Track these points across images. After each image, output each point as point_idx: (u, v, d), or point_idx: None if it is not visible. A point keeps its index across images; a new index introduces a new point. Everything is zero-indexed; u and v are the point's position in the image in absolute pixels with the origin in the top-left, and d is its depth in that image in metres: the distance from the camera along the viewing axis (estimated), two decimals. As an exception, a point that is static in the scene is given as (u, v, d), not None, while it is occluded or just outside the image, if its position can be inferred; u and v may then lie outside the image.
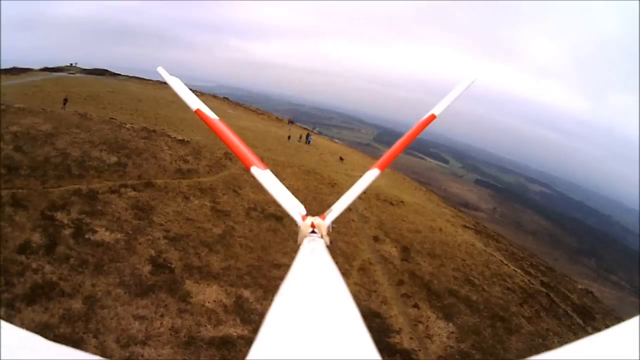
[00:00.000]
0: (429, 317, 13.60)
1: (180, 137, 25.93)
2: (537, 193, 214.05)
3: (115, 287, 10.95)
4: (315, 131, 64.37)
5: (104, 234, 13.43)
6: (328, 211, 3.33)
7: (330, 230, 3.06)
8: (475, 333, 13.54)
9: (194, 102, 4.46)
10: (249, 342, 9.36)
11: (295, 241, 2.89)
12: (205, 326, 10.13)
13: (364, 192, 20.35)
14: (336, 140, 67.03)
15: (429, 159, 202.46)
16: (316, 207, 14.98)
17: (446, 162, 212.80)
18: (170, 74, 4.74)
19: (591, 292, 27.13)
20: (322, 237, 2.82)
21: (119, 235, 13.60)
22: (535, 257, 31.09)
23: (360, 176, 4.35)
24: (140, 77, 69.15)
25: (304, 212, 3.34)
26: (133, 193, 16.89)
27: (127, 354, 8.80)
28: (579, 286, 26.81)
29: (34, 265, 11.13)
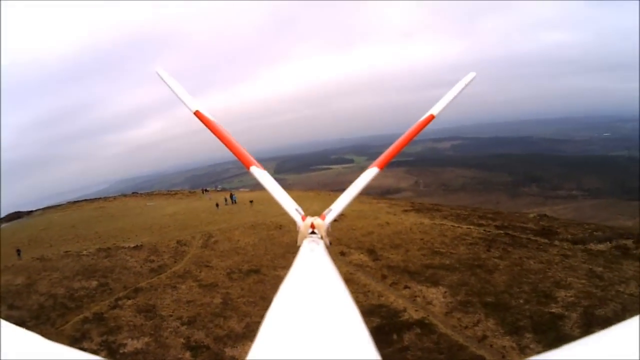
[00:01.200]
0: (421, 290, 16.96)
1: (132, 245, 28.29)
2: (449, 148, 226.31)
3: None
4: (218, 188, 67.87)
5: (133, 344, 15.96)
6: (327, 211, 3.71)
7: (330, 230, 3.39)
8: (463, 284, 16.85)
9: (193, 104, 5.13)
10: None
11: (295, 242, 3.20)
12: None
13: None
14: (245, 189, 69.01)
15: (334, 167, 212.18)
16: (277, 250, 17.52)
17: (351, 161, 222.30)
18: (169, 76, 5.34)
19: (545, 215, 31.80)
20: (321, 237, 3.15)
21: (145, 339, 16.18)
22: (479, 209, 35.65)
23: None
24: (50, 205, 70.07)
25: (302, 212, 3.73)
26: (130, 302, 19.66)
27: None
28: (531, 215, 31.30)
29: None
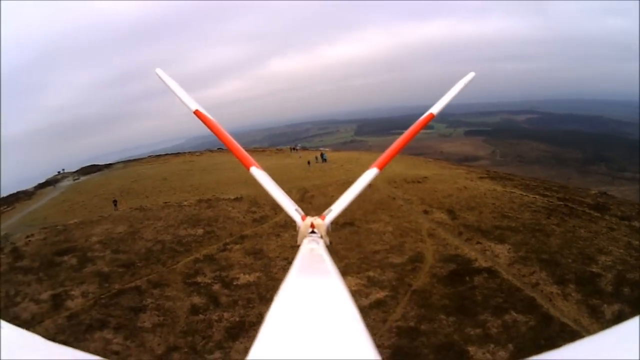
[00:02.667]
0: (490, 246, 22.19)
1: (232, 197, 34.56)
2: (525, 121, 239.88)
3: None
4: (298, 147, 72.15)
5: (245, 277, 21.74)
6: (327, 211, 4.24)
7: (330, 230, 3.90)
8: (524, 244, 22.01)
9: (192, 104, 5.91)
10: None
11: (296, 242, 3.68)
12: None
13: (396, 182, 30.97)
14: (325, 149, 75.76)
15: None
16: (367, 206, 25.97)
17: (431, 127, 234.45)
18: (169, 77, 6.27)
19: (604, 193, 36.92)
20: (321, 237, 3.62)
21: (256, 274, 21.93)
22: (547, 181, 40.70)
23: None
24: (131, 158, 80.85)
25: (302, 212, 4.26)
26: (237, 246, 25.60)
27: None
28: (592, 191, 36.34)
29: (215, 318, 18.71)
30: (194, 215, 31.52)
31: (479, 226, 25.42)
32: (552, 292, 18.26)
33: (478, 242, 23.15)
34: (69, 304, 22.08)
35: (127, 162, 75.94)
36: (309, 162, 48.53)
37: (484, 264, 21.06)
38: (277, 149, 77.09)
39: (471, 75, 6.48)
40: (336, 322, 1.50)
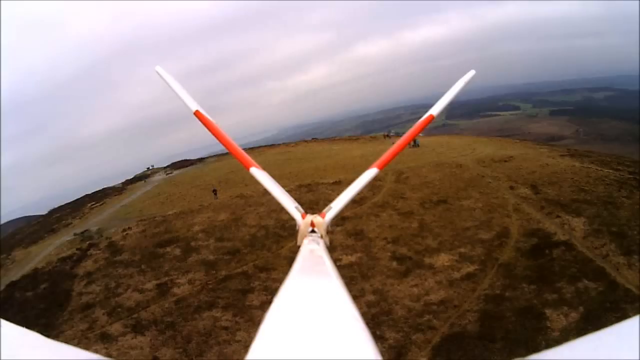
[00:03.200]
0: (567, 219, 26.08)
1: (331, 181, 40.31)
2: (604, 99, 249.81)
3: (384, 280, 23.24)
4: (392, 133, 79.10)
5: (348, 258, 26.07)
6: (327, 209, 4.62)
7: (330, 229, 4.24)
8: (597, 216, 25.91)
9: (192, 104, 6.52)
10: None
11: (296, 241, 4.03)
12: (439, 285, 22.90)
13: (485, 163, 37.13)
14: (419, 135, 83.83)
15: (502, 113, 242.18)
16: (459, 184, 32.19)
17: (517, 108, 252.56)
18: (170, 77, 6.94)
19: None
20: (321, 236, 3.94)
21: (357, 254, 26.32)
22: (621, 157, 44.53)
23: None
24: (219, 153, 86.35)
25: (302, 210, 4.66)
26: (338, 228, 29.49)
27: (422, 306, 20.68)
28: None
29: None
30: (295, 199, 37.51)
31: (558, 200, 29.35)
32: (619, 262, 21.90)
33: (557, 216, 27.09)
34: (176, 290, 26.67)
35: (220, 156, 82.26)
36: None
37: (562, 238, 24.94)
38: (370, 137, 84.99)
39: (471, 73, 7.00)
40: (336, 323, 1.64)
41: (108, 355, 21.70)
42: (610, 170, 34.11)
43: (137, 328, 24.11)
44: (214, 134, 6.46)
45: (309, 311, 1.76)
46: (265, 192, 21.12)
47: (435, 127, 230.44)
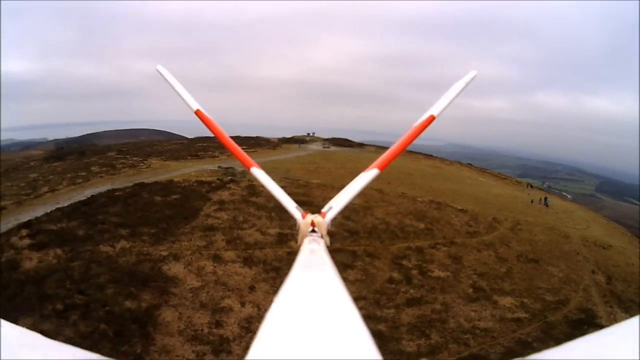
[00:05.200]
0: (616, 312, 30.31)
1: (460, 207, 46.72)
2: None
3: (455, 298, 29.25)
4: (545, 185, 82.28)
5: (438, 273, 31.64)
6: (328, 208, 5.29)
7: (330, 228, 4.74)
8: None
9: (193, 103, 7.41)
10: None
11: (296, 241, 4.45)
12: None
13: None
14: (567, 196, 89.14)
15: None
16: (557, 253, 39.03)
17: None
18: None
19: None
20: (322, 236, 4.35)
21: (447, 273, 31.67)
22: None
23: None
24: (379, 144, 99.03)
25: (302, 210, 5.24)
26: (445, 248, 35.63)
27: (470, 327, 26.32)
28: None
29: (403, 290, 29.03)
30: (422, 211, 43.93)
31: (620, 295, 35.72)
32: None
33: (611, 306, 33.50)
34: (292, 243, 31.58)
35: (379, 148, 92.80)
36: (532, 201, 63.52)
37: (603, 323, 30.34)
38: (516, 181, 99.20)
39: (473, 73, 7.64)
40: (336, 323, 1.82)
41: (214, 273, 28.92)
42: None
43: (248, 261, 30.43)
44: (214, 132, 7.35)
45: (310, 311, 1.99)
46: (401, 195, 52.11)
47: (583, 194, 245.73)
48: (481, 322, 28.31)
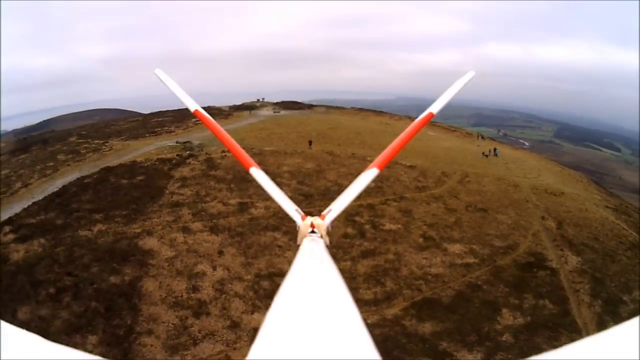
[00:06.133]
0: (567, 254, 31.42)
1: (409, 164, 47.64)
2: None
3: (407, 248, 31.21)
4: (500, 134, 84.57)
5: (389, 226, 33.63)
6: (327, 211, 5.27)
7: (330, 230, 4.70)
8: (592, 262, 31.07)
9: (192, 104, 7.59)
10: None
11: (296, 241, 4.52)
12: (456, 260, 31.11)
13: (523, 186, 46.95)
14: (524, 143, 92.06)
15: (604, 150, 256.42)
16: (508, 202, 40.57)
17: (618, 150, 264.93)
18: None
19: None
20: (321, 237, 4.37)
21: (398, 226, 33.68)
22: None
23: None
24: (332, 105, 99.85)
25: (301, 212, 5.30)
26: (395, 203, 37.47)
27: (421, 273, 28.46)
28: None
29: (357, 243, 31.10)
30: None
31: (571, 239, 37.59)
32: (583, 300, 28.81)
33: (561, 249, 35.23)
34: (252, 211, 35.14)
35: (329, 108, 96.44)
36: (483, 153, 63.33)
37: (553, 265, 32.86)
38: (467, 132, 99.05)
39: (471, 74, 7.84)
40: (336, 323, 1.82)
41: (185, 243, 31.23)
42: (634, 233, 39.10)
43: (214, 230, 32.72)
44: (213, 132, 7.38)
45: (309, 311, 1.97)
46: (352, 155, 55.75)
47: (541, 141, 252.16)
48: (432, 269, 29.91)
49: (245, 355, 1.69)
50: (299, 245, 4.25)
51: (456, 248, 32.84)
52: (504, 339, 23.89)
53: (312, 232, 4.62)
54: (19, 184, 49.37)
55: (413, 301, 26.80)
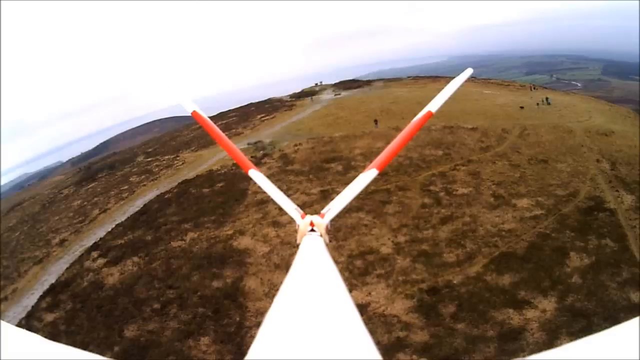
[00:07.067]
0: (623, 194, 33.73)
1: (470, 126, 50.52)
2: None
3: (480, 209, 33.71)
4: (553, 78, 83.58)
5: (462, 190, 36.22)
6: (327, 209, 5.44)
7: (329, 229, 4.85)
8: None
9: (189, 105, 7.84)
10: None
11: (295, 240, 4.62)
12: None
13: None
14: (576, 84, 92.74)
15: None
16: (565, 149, 43.74)
17: None
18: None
19: None
20: (321, 235, 4.50)
21: (469, 189, 36.26)
22: None
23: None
24: (390, 78, 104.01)
25: (301, 211, 5.40)
26: (464, 167, 40.09)
27: (496, 230, 31.11)
28: None
29: (435, 212, 33.34)
30: (438, 139, 47.65)
31: (624, 178, 39.62)
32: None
33: (617, 190, 37.17)
34: (335, 196, 40.94)
35: (387, 82, 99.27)
36: (537, 104, 65.67)
37: (611, 206, 34.39)
38: (520, 85, 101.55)
39: (469, 71, 8.15)
40: (336, 322, 1.86)
41: (278, 236, 33.11)
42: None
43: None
44: (210, 134, 7.71)
45: (309, 311, 2.02)
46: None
47: (590, 80, 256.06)
48: (505, 225, 32.53)
49: None
50: (298, 244, 4.37)
51: (524, 202, 34.87)
52: (573, 280, 25.63)
53: (312, 230, 4.78)
54: (96, 211, 51.14)
55: (491, 257, 28.82)
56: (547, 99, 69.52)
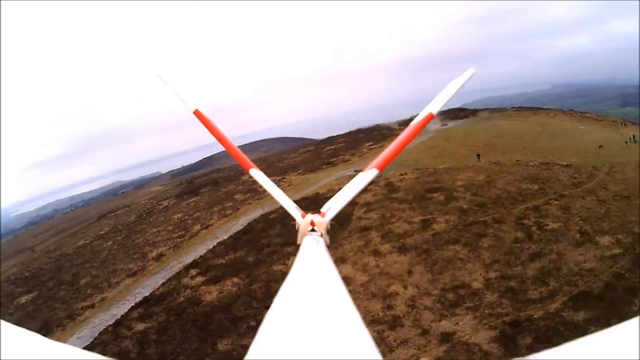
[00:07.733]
0: None
1: (565, 163, 50.99)
2: None
3: (566, 246, 33.89)
4: (626, 123, 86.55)
5: (552, 225, 35.81)
6: (327, 208, 5.29)
7: (329, 228, 4.81)
8: None
9: (192, 104, 7.64)
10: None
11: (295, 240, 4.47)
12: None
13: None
14: None
15: None
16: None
17: None
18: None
19: None
20: (321, 235, 4.46)
21: (559, 224, 36.18)
22: None
23: None
24: (495, 108, 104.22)
25: (301, 210, 5.31)
26: (556, 202, 40.30)
27: (578, 270, 30.62)
28: None
29: (526, 247, 34.10)
30: (534, 174, 48.59)
31: None
32: None
33: None
34: (435, 226, 37.65)
35: (491, 112, 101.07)
36: (625, 142, 65.41)
37: None
38: (612, 120, 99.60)
39: (471, 71, 7.81)
40: (336, 323, 1.86)
41: (377, 266, 33.62)
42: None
43: (402, 250, 35.31)
44: (212, 133, 7.76)
45: (309, 311, 2.02)
46: (516, 163, 63.08)
47: None
48: (586, 264, 32.56)
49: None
50: (298, 244, 4.41)
51: (605, 240, 35.19)
52: (639, 319, 26.04)
53: (312, 230, 4.81)
54: (197, 226, 53.71)
55: (571, 295, 29.46)
56: (633, 136, 69.89)
